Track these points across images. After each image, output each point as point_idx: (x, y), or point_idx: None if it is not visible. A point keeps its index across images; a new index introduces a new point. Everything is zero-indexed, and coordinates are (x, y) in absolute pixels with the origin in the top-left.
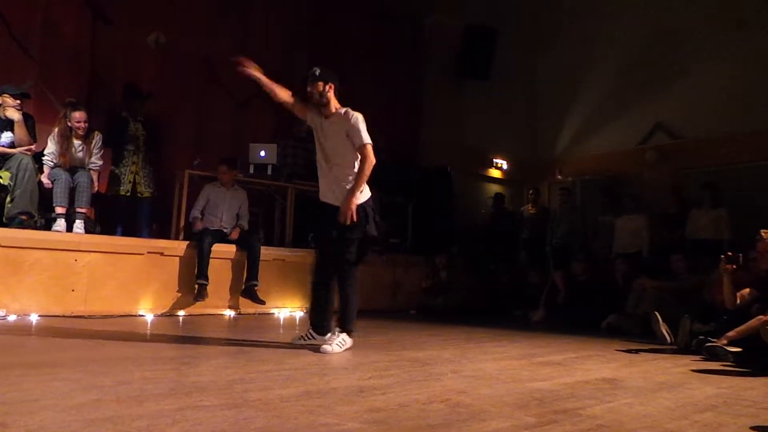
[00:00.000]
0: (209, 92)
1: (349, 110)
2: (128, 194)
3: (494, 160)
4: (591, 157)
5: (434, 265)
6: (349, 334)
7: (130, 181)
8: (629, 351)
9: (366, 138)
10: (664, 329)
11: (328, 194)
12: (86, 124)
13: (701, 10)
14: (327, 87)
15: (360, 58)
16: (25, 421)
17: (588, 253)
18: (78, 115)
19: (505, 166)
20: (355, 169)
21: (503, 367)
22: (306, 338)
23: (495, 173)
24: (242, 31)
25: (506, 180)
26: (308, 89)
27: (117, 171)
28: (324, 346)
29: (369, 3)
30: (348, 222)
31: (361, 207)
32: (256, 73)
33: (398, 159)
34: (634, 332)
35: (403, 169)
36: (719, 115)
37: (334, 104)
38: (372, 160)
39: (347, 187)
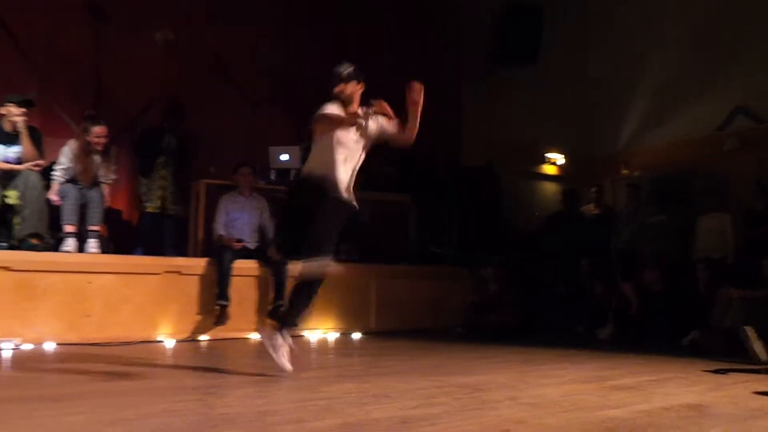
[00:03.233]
0: (220, 94)
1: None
2: (157, 211)
3: (547, 155)
4: (661, 148)
5: (481, 277)
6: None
7: (159, 197)
8: (717, 372)
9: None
10: (757, 346)
11: None
12: (106, 139)
13: None
14: (359, 86)
15: (386, 51)
16: None
17: (661, 259)
18: (99, 130)
19: (560, 162)
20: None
21: (567, 393)
22: None
23: (549, 170)
24: (255, 26)
25: (563, 177)
26: (339, 89)
27: (145, 186)
28: None
29: None
30: None
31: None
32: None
33: (437, 160)
34: (721, 350)
35: (443, 170)
36: None
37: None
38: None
39: None
